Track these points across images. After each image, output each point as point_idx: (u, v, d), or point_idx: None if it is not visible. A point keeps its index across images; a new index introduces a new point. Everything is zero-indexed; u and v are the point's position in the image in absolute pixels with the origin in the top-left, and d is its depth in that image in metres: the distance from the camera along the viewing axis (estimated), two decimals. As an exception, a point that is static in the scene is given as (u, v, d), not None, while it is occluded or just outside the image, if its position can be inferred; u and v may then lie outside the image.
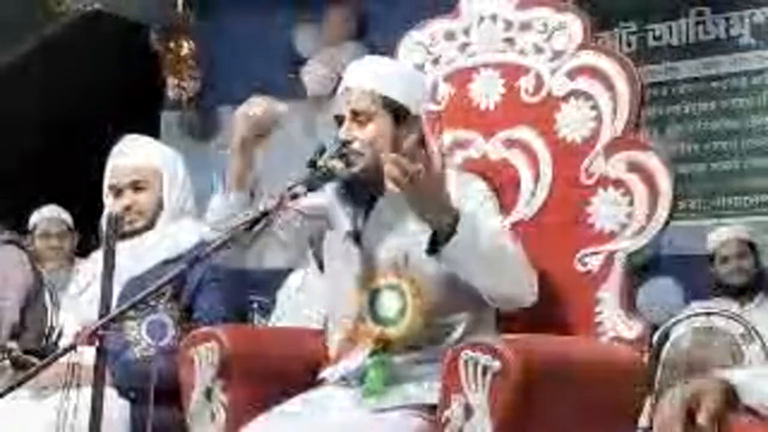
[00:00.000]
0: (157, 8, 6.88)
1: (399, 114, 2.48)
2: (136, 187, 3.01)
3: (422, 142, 2.51)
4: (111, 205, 3.00)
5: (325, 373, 2.50)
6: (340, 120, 2.51)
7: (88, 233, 4.83)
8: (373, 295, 2.42)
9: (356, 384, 2.43)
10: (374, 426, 2.33)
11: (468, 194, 2.46)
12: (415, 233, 2.43)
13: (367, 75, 2.52)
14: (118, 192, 3.02)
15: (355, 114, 2.48)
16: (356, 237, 2.50)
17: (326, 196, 2.61)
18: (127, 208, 2.98)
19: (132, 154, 3.05)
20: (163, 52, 6.98)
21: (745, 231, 5.14)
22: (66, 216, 5.38)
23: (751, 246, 5.06)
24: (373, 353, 2.40)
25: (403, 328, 2.38)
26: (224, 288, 2.93)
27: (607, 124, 2.59)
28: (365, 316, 2.43)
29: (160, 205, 3.03)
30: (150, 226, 3.01)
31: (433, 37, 2.89)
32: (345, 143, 2.46)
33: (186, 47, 6.93)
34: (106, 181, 3.06)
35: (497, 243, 2.32)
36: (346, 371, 2.44)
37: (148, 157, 3.05)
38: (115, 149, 3.07)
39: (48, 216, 5.34)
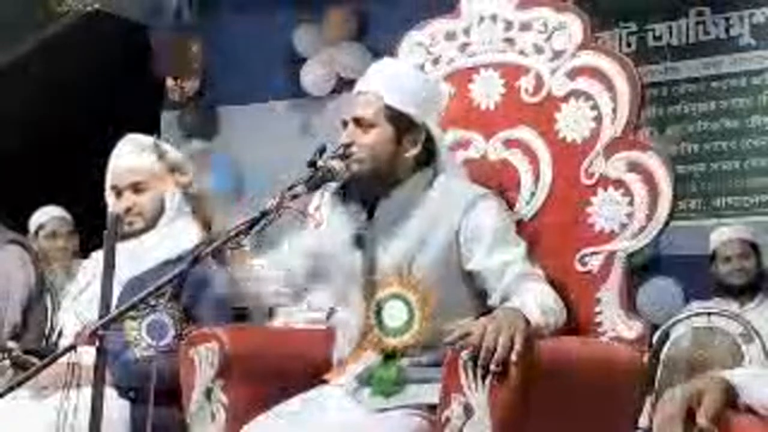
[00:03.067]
0: (158, 8, 6.88)
1: (402, 123, 2.48)
2: (136, 188, 3.01)
3: (430, 150, 2.51)
4: (112, 205, 3.00)
5: (336, 381, 2.49)
6: (345, 123, 2.52)
7: (89, 234, 4.83)
8: (379, 305, 2.42)
9: (357, 386, 2.43)
10: (374, 426, 2.33)
11: (483, 209, 2.45)
12: (419, 238, 2.43)
13: (376, 82, 2.52)
14: (118, 193, 3.02)
15: (358, 120, 2.48)
16: (359, 242, 2.50)
17: (325, 199, 2.62)
18: (128, 210, 2.98)
19: (132, 155, 3.04)
20: (164, 53, 6.98)
21: (747, 231, 5.14)
22: (69, 216, 5.37)
23: (753, 246, 5.06)
24: (382, 358, 2.41)
25: (409, 337, 2.39)
26: (224, 288, 2.93)
27: (607, 124, 2.59)
28: (372, 324, 2.43)
29: (161, 206, 3.02)
30: (150, 227, 3.01)
31: (433, 37, 2.89)
32: (345, 147, 2.46)
33: (192, 48, 6.94)
34: (107, 182, 3.06)
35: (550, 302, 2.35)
36: (354, 377, 2.43)
37: (146, 157, 3.04)
38: (116, 149, 3.06)
39: (57, 216, 5.32)
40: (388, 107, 2.48)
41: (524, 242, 2.47)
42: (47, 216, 5.30)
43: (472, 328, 2.11)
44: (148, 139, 3.14)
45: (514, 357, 2.05)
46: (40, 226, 5.28)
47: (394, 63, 2.71)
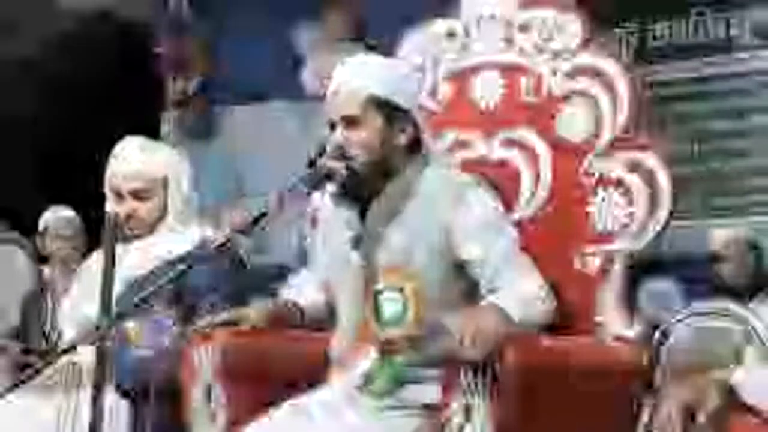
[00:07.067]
0: (158, 8, 6.88)
1: (390, 111, 2.48)
2: (139, 195, 2.98)
3: (418, 139, 2.51)
4: (112, 208, 2.98)
5: (335, 381, 2.49)
6: (332, 124, 2.51)
7: (89, 234, 4.84)
8: (376, 297, 2.42)
9: (357, 386, 2.43)
10: (374, 426, 2.34)
11: (472, 199, 2.46)
12: (414, 233, 2.43)
13: (354, 76, 2.51)
14: (119, 195, 2.99)
15: (345, 118, 2.48)
16: (357, 241, 2.50)
17: (325, 200, 2.62)
18: (128, 216, 2.96)
19: (135, 160, 3.00)
20: (164, 53, 6.99)
21: (747, 231, 5.14)
22: (77, 217, 5.36)
23: (754, 247, 5.07)
24: (380, 356, 2.41)
25: (405, 328, 2.38)
26: (226, 287, 2.93)
27: (607, 124, 2.59)
28: (369, 318, 2.43)
29: (164, 209, 3.01)
30: (152, 230, 3.00)
31: (433, 37, 2.89)
32: (340, 149, 2.46)
33: (192, 48, 6.95)
34: (108, 184, 3.03)
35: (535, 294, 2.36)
36: (354, 379, 2.43)
37: (152, 164, 2.99)
38: (117, 150, 3.02)
39: (66, 216, 5.30)
40: (372, 98, 2.47)
41: (513, 230, 2.48)
42: (56, 216, 5.29)
43: (454, 336, 2.13)
44: (150, 144, 3.10)
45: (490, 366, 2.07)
46: (48, 226, 5.27)
47: (366, 57, 2.68)
